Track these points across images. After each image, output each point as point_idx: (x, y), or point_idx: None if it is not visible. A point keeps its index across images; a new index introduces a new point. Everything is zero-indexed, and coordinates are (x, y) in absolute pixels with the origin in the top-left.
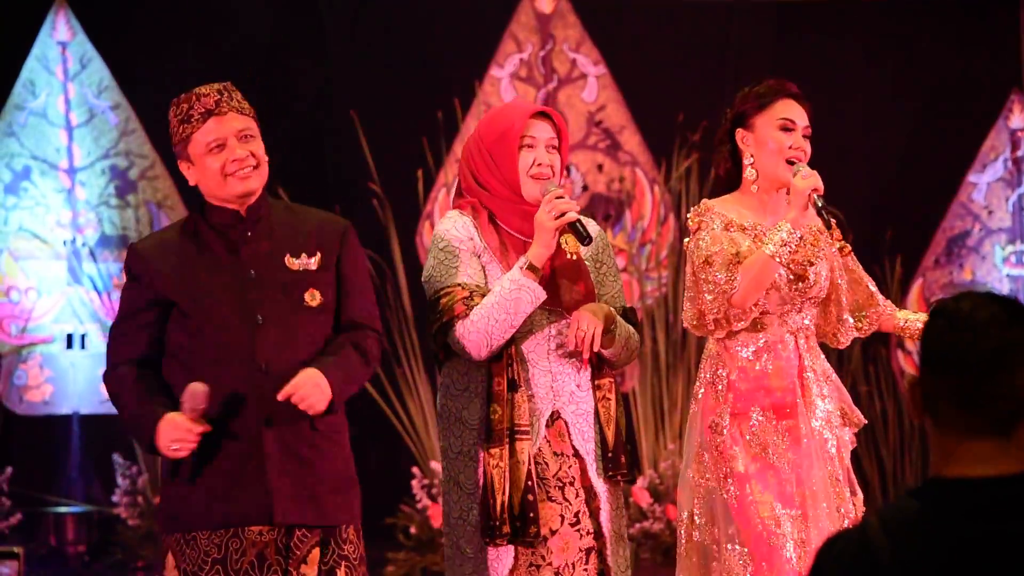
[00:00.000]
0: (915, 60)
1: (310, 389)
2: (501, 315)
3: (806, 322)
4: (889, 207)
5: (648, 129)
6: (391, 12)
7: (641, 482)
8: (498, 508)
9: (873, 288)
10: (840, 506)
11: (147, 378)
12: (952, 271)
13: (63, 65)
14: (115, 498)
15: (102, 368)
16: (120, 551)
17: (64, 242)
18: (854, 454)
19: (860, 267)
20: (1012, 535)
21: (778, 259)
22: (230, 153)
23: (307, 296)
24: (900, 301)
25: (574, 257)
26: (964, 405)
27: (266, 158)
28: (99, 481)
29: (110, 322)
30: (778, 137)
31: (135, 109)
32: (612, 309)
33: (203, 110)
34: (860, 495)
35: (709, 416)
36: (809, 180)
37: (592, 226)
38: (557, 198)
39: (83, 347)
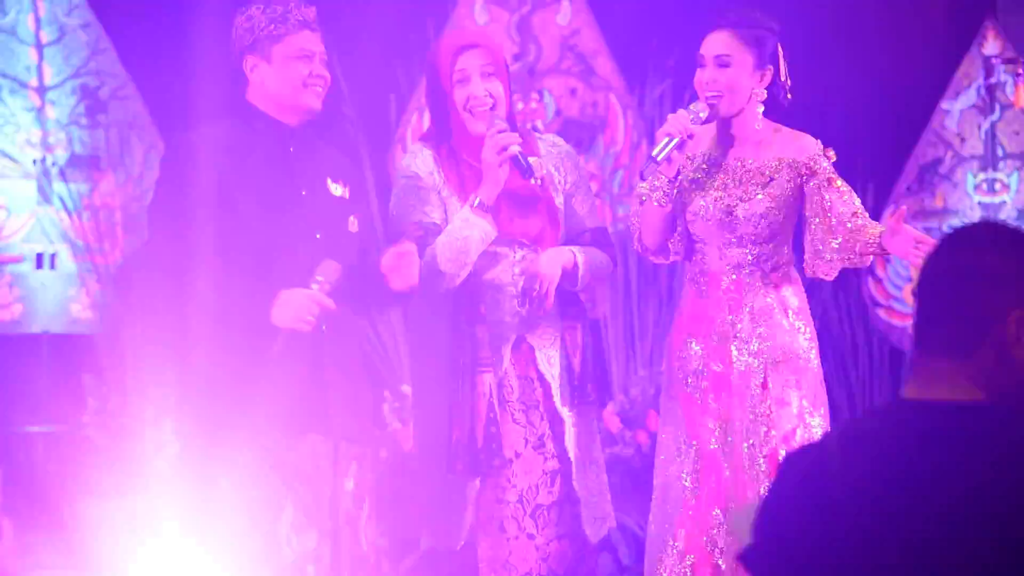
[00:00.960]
0: None
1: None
2: (452, 253)
3: (748, 258)
4: (860, 134)
5: (623, 54)
6: None
7: (611, 407)
8: (458, 440)
9: (839, 220)
10: (755, 441)
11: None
12: (924, 199)
13: None
14: (84, 419)
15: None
16: (90, 471)
17: (34, 161)
18: (825, 377)
19: (835, 195)
20: (962, 463)
21: (643, 199)
22: (316, 68)
23: (349, 221)
24: None
25: (537, 182)
26: (925, 320)
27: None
28: (69, 401)
29: (80, 242)
30: (697, 74)
31: (106, 28)
32: (571, 251)
33: (301, 19)
34: (816, 432)
35: (673, 333)
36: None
37: (557, 143)
38: (499, 132)
39: (53, 267)
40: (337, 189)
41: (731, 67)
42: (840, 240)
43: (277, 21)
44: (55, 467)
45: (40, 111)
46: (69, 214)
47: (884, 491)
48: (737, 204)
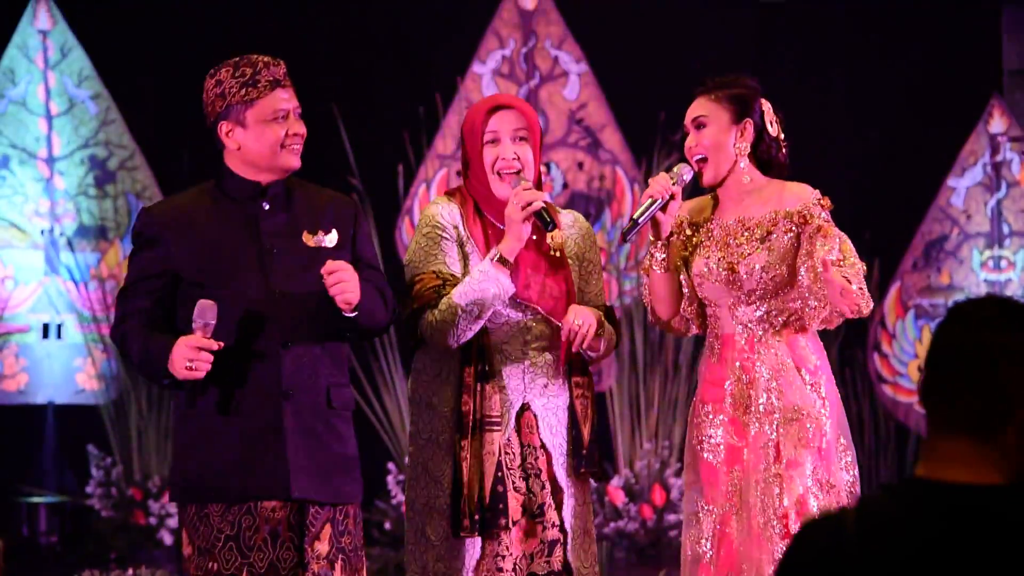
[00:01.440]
0: (895, 63)
1: (348, 275)
2: (468, 305)
3: (757, 314)
4: (868, 209)
5: (629, 128)
6: (374, 6)
7: (616, 481)
8: (474, 500)
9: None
10: (769, 504)
11: (156, 321)
12: (930, 275)
13: (43, 54)
14: (89, 489)
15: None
16: (93, 542)
17: (42, 231)
18: None
19: (821, 241)
20: (980, 546)
21: (647, 270)
22: (291, 127)
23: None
24: (878, 304)
25: (557, 254)
26: (944, 398)
27: (305, 134)
28: (73, 472)
29: (86, 313)
30: (685, 145)
31: (115, 99)
32: (599, 312)
33: (271, 78)
34: (839, 488)
35: (692, 409)
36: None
37: (574, 219)
38: (525, 190)
39: (59, 337)
40: (317, 240)
41: (708, 126)
42: (820, 286)
43: (248, 85)
44: (58, 537)
45: (49, 181)
46: (76, 284)
47: (901, 573)
48: (738, 261)
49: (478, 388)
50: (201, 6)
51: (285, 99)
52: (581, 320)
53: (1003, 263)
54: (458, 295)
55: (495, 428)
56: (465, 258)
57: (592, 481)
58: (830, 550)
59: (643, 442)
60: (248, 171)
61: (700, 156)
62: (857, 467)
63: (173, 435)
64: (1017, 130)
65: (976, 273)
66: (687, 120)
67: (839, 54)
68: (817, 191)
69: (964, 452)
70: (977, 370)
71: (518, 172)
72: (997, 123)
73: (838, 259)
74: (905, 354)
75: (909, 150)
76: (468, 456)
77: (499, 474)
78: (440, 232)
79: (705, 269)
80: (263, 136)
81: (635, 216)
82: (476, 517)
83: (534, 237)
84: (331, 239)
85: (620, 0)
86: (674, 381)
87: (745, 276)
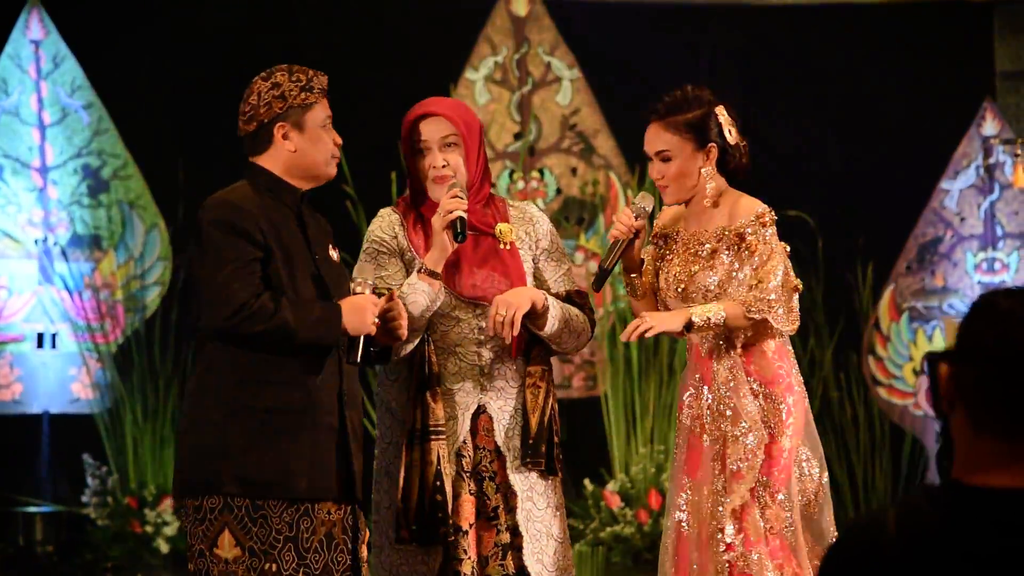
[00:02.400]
0: (889, 67)
1: (402, 311)
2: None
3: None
4: (861, 213)
5: (622, 133)
6: (366, 13)
7: (612, 485)
8: (401, 511)
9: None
10: (712, 518)
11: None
12: (924, 277)
13: (36, 64)
14: (84, 498)
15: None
16: (89, 552)
17: (36, 241)
18: (825, 457)
19: (744, 260)
20: (1021, 552)
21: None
22: (336, 137)
23: (352, 285)
24: (872, 306)
25: (507, 247)
26: (988, 400)
27: None
28: (68, 481)
29: (81, 322)
30: (649, 169)
31: (108, 108)
32: (542, 292)
33: (321, 87)
34: (785, 504)
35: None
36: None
37: (527, 210)
38: (450, 198)
39: (53, 346)
40: (335, 255)
41: (673, 159)
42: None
43: (306, 89)
44: (55, 547)
45: (42, 191)
46: (70, 293)
47: None
48: (686, 278)
49: (418, 397)
50: (193, 16)
51: (328, 110)
52: (503, 308)
53: (997, 265)
54: None
55: (436, 437)
56: (408, 267)
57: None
58: (871, 552)
59: (638, 447)
60: (290, 174)
61: (666, 185)
62: (827, 473)
63: (223, 429)
64: (1009, 133)
65: (970, 275)
66: (649, 151)
67: (832, 57)
68: (764, 207)
69: (1002, 455)
70: (1012, 369)
71: (451, 178)
72: (989, 126)
73: (752, 284)
74: (900, 357)
75: (902, 153)
76: (411, 464)
77: (438, 483)
78: (376, 246)
79: (663, 284)
80: (320, 141)
81: (603, 265)
82: (414, 527)
83: (492, 234)
84: (338, 257)
85: (612, 6)
86: (668, 386)
87: (692, 292)
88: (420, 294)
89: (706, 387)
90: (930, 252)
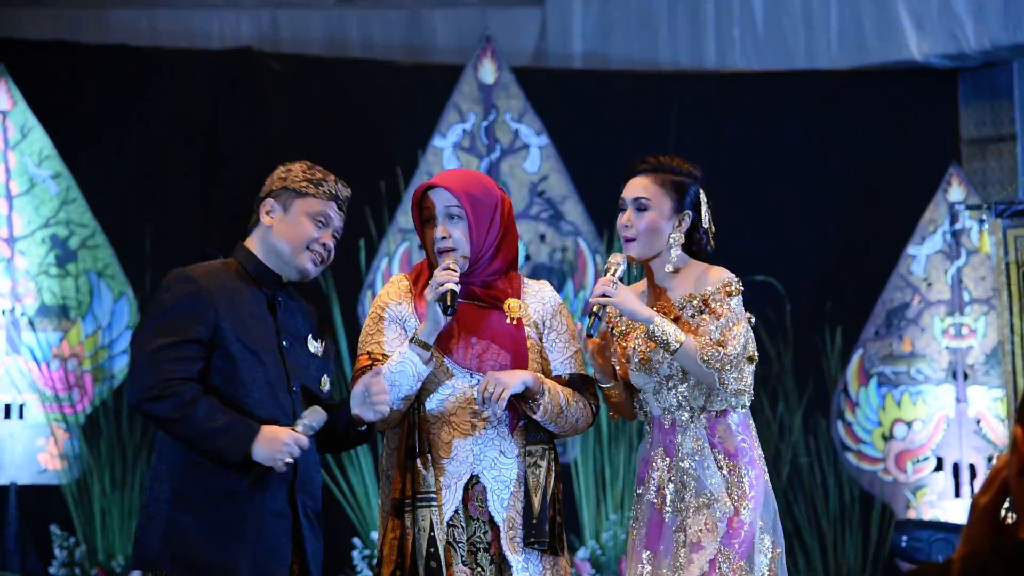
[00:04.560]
0: (854, 133)
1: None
2: (386, 386)
3: (677, 400)
4: (829, 278)
5: (591, 199)
6: (334, 82)
7: (583, 552)
8: None
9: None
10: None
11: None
12: (892, 342)
13: (3, 134)
14: (52, 570)
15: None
16: None
17: (2, 311)
18: (795, 523)
19: (708, 321)
20: None
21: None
22: (324, 237)
23: (323, 381)
24: (841, 372)
25: (513, 322)
26: None
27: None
28: (36, 552)
29: (49, 392)
30: (619, 218)
31: (76, 178)
32: (537, 376)
33: (333, 192)
34: (751, 573)
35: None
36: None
37: (541, 289)
38: (442, 271)
39: (21, 417)
40: (314, 346)
41: (649, 210)
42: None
43: (312, 181)
44: None
45: (10, 261)
46: (38, 364)
47: None
48: (649, 350)
49: (407, 464)
50: (162, 85)
51: (334, 214)
52: (492, 385)
53: (964, 330)
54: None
55: (426, 504)
56: (409, 333)
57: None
58: None
59: (608, 513)
60: (269, 258)
61: (632, 237)
62: (782, 548)
63: (168, 509)
64: (975, 198)
65: (938, 341)
66: (627, 197)
67: (798, 124)
68: (732, 276)
69: None
70: None
71: (452, 251)
72: (956, 191)
73: (713, 342)
74: (868, 421)
75: (869, 219)
76: (392, 534)
77: (432, 550)
78: (380, 312)
79: (626, 357)
80: (298, 226)
81: (587, 333)
82: None
83: (500, 307)
84: (321, 349)
85: (579, 73)
86: (638, 452)
87: (656, 363)
88: (408, 364)
89: (670, 458)
90: (898, 317)
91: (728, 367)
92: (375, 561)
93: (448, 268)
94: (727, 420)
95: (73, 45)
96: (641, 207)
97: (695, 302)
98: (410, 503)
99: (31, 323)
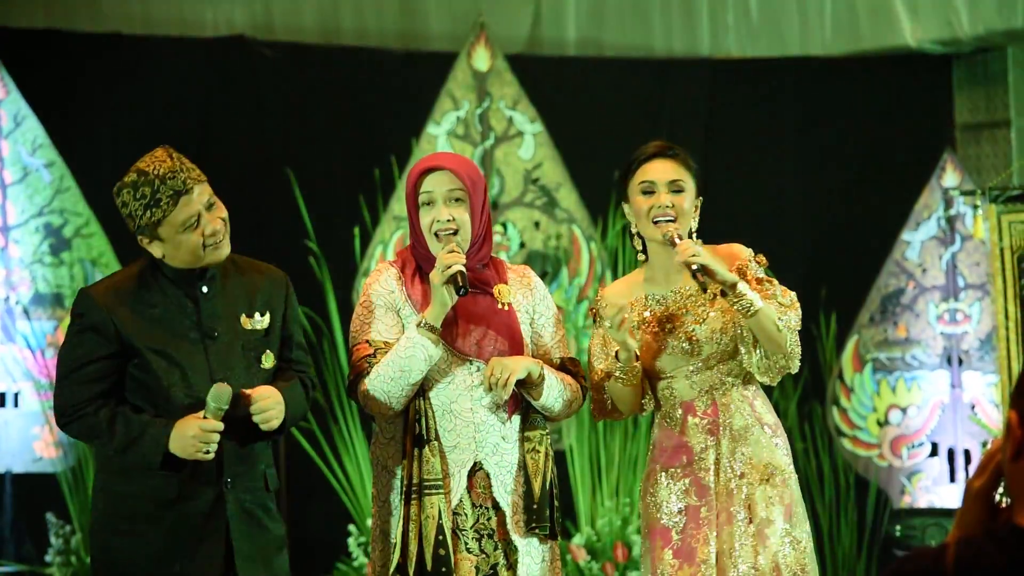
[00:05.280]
0: (848, 119)
1: (273, 404)
2: (396, 373)
3: (719, 378)
4: (823, 264)
5: (585, 186)
6: (328, 69)
7: (578, 539)
8: (407, 564)
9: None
10: (746, 561)
11: (124, 404)
12: (887, 328)
13: None
14: (48, 558)
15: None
16: None
17: None
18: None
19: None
20: None
21: (620, 384)
22: (205, 227)
23: (263, 358)
24: (836, 358)
25: (505, 307)
26: None
27: (227, 216)
28: (32, 540)
29: (43, 380)
30: (639, 202)
31: (70, 167)
32: (538, 362)
33: (171, 192)
34: (803, 543)
35: (647, 475)
36: (686, 252)
37: (527, 274)
38: (448, 253)
39: (16, 405)
40: (252, 322)
41: (683, 192)
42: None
43: (150, 206)
44: None
45: (4, 250)
46: (32, 352)
47: None
48: (694, 328)
49: (415, 452)
50: (155, 73)
51: (192, 203)
52: (499, 371)
53: (959, 316)
54: (386, 363)
55: (434, 492)
56: (402, 323)
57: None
58: None
59: (604, 500)
60: (180, 265)
61: (671, 218)
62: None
63: (101, 516)
64: (969, 184)
65: (932, 327)
66: (659, 179)
67: (792, 110)
68: (750, 249)
69: None
70: None
71: (454, 233)
72: (950, 177)
73: (784, 305)
74: (863, 407)
75: (863, 205)
76: (414, 518)
77: (440, 537)
78: (374, 300)
79: (665, 344)
80: (181, 246)
81: (703, 287)
82: None
83: (491, 293)
84: (264, 321)
85: (573, 60)
86: (634, 438)
87: (705, 341)
88: (419, 348)
89: (716, 438)
90: (892, 303)
91: (795, 329)
92: (369, 548)
93: (453, 250)
94: (760, 394)
95: (66, 33)
96: (678, 188)
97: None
98: (417, 491)
99: (26, 312)
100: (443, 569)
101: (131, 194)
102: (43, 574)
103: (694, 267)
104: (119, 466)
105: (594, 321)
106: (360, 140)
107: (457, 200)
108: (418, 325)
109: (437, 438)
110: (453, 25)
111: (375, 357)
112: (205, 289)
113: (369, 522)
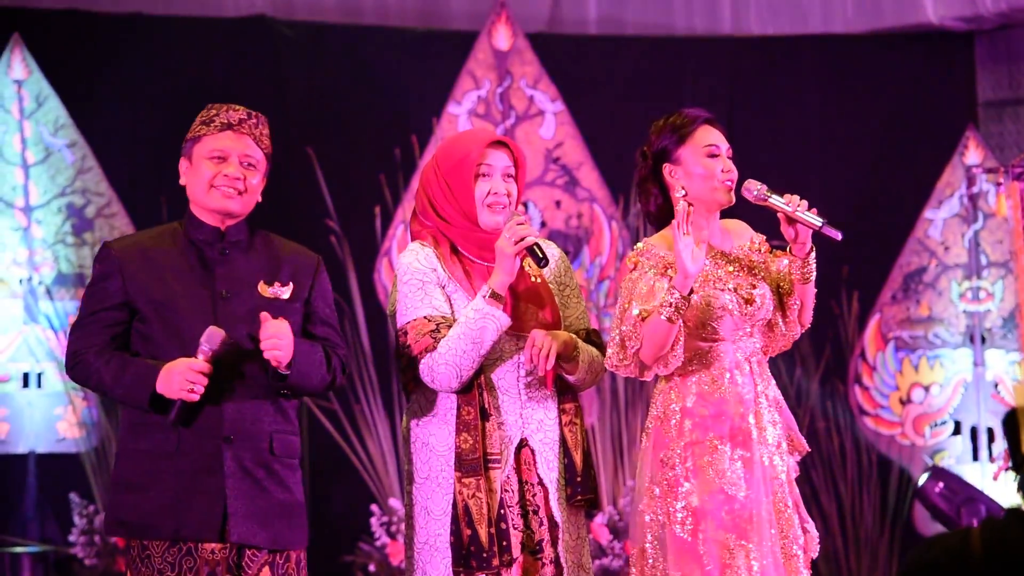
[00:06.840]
0: (871, 97)
1: (283, 335)
2: (468, 345)
3: (758, 346)
4: (846, 243)
5: (606, 165)
6: (348, 49)
7: (600, 518)
8: (479, 537)
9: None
10: (789, 533)
11: (120, 350)
12: (909, 307)
13: (19, 103)
14: (72, 538)
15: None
16: None
17: (20, 280)
18: (812, 488)
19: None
20: None
21: (664, 317)
22: (226, 168)
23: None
24: (858, 336)
25: (537, 280)
26: None
27: (258, 191)
28: (56, 520)
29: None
30: (708, 164)
31: (91, 147)
32: (573, 336)
33: (225, 121)
34: (811, 525)
35: (660, 450)
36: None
37: (552, 249)
38: (519, 224)
39: (39, 386)
40: (271, 290)
41: (732, 159)
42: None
43: (204, 123)
44: None
45: (26, 231)
46: (56, 332)
47: None
48: (751, 292)
49: (480, 426)
50: (176, 53)
51: (230, 142)
52: (540, 342)
53: (982, 294)
54: (457, 336)
55: (496, 466)
56: (449, 299)
57: (585, 512)
58: (956, 573)
59: (626, 479)
60: (203, 214)
61: (733, 181)
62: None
63: (113, 470)
64: (992, 161)
65: (955, 304)
66: (722, 144)
67: (814, 88)
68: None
69: None
70: None
71: (505, 207)
72: (972, 155)
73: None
74: (886, 386)
75: (886, 183)
76: (475, 494)
77: (501, 511)
78: (420, 277)
79: (729, 302)
80: (198, 172)
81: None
82: (485, 555)
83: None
84: (287, 292)
85: (594, 39)
86: None
87: (760, 306)
88: (490, 318)
89: (757, 407)
90: (915, 281)
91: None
92: (403, 525)
93: (523, 222)
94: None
95: (88, 14)
96: (731, 155)
97: (760, 248)
98: (482, 465)
99: (48, 292)
100: (504, 543)
101: (202, 112)
102: (67, 554)
103: (800, 214)
104: (129, 422)
105: (634, 269)
106: (381, 119)
107: (510, 177)
108: (485, 296)
109: (496, 412)
110: (474, 4)
111: (439, 332)
112: (226, 252)
113: (392, 501)
